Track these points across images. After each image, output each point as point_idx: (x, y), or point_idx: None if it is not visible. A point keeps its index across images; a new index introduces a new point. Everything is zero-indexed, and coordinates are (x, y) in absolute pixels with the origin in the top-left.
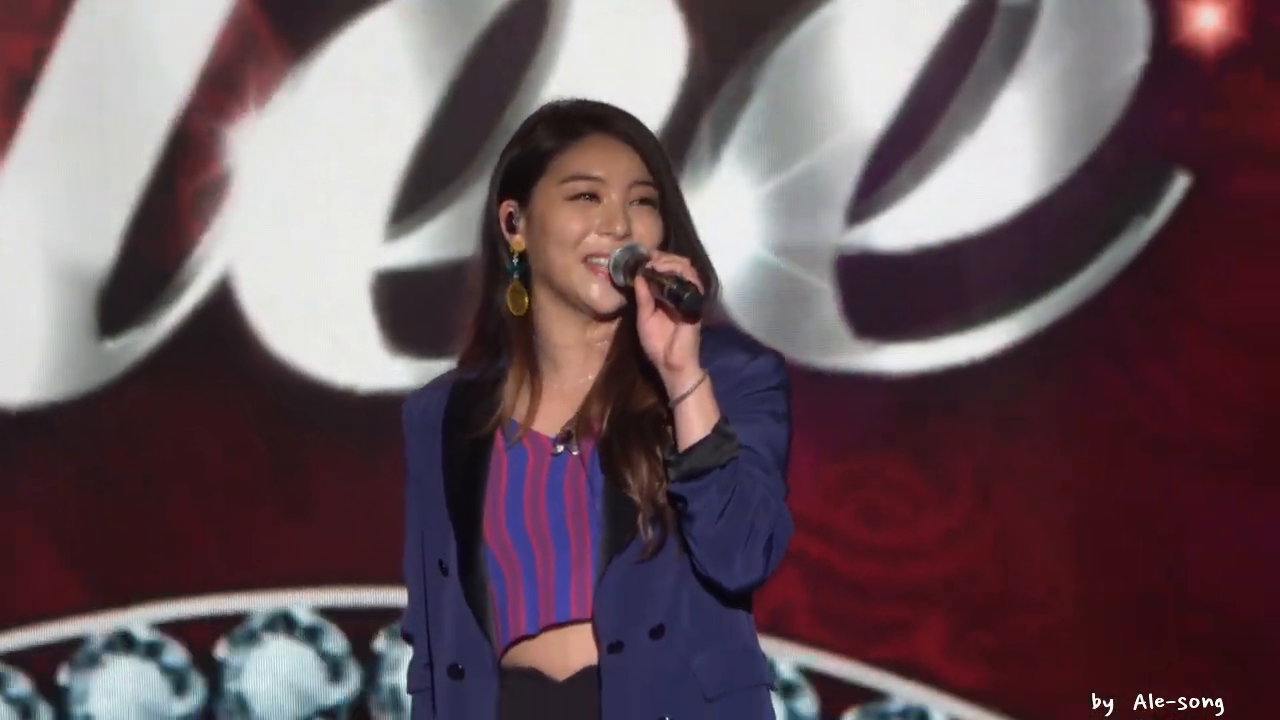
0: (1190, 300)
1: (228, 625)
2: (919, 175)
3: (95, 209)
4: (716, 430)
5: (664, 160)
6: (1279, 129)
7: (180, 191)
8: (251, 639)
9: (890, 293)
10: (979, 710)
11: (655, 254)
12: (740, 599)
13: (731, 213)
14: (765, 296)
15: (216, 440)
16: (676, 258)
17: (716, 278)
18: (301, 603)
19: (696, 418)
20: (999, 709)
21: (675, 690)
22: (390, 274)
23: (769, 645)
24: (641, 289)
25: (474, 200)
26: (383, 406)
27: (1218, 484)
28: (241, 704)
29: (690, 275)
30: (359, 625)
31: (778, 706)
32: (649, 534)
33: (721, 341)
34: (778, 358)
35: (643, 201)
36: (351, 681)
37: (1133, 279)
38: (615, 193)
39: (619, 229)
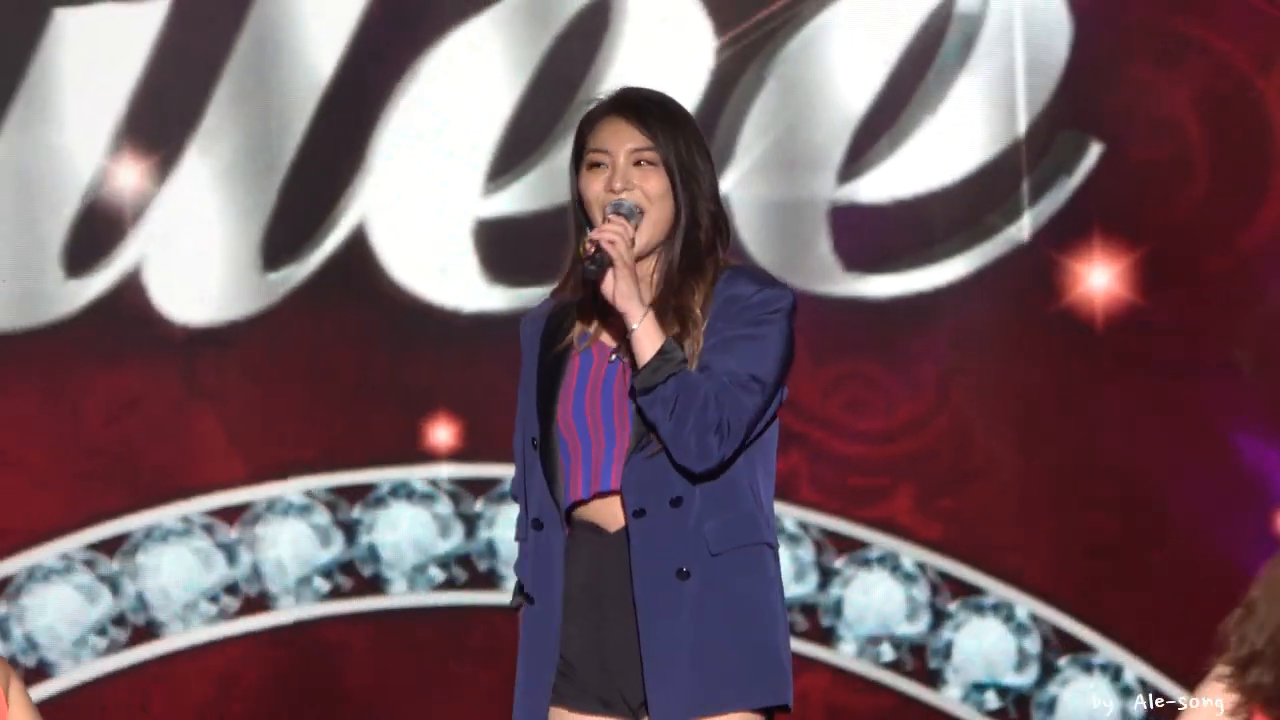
0: (1102, 240)
1: (359, 493)
2: (894, 145)
3: (261, 168)
4: (659, 354)
5: (669, 126)
6: (1167, 106)
7: (325, 155)
8: (379, 503)
9: (872, 236)
10: (939, 556)
11: (611, 217)
12: (745, 477)
13: (750, 174)
14: (774, 238)
15: (352, 351)
16: (609, 227)
17: (727, 228)
18: (417, 475)
19: (644, 345)
20: (954, 556)
21: (689, 547)
22: (487, 221)
23: (777, 506)
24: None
25: (549, 165)
26: (481, 324)
27: (1126, 381)
28: (373, 553)
29: (608, 243)
30: (469, 490)
31: (784, 555)
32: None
33: (740, 276)
34: (785, 290)
35: (642, 163)
36: (457, 535)
37: (1058, 224)
38: (619, 158)
39: (617, 185)
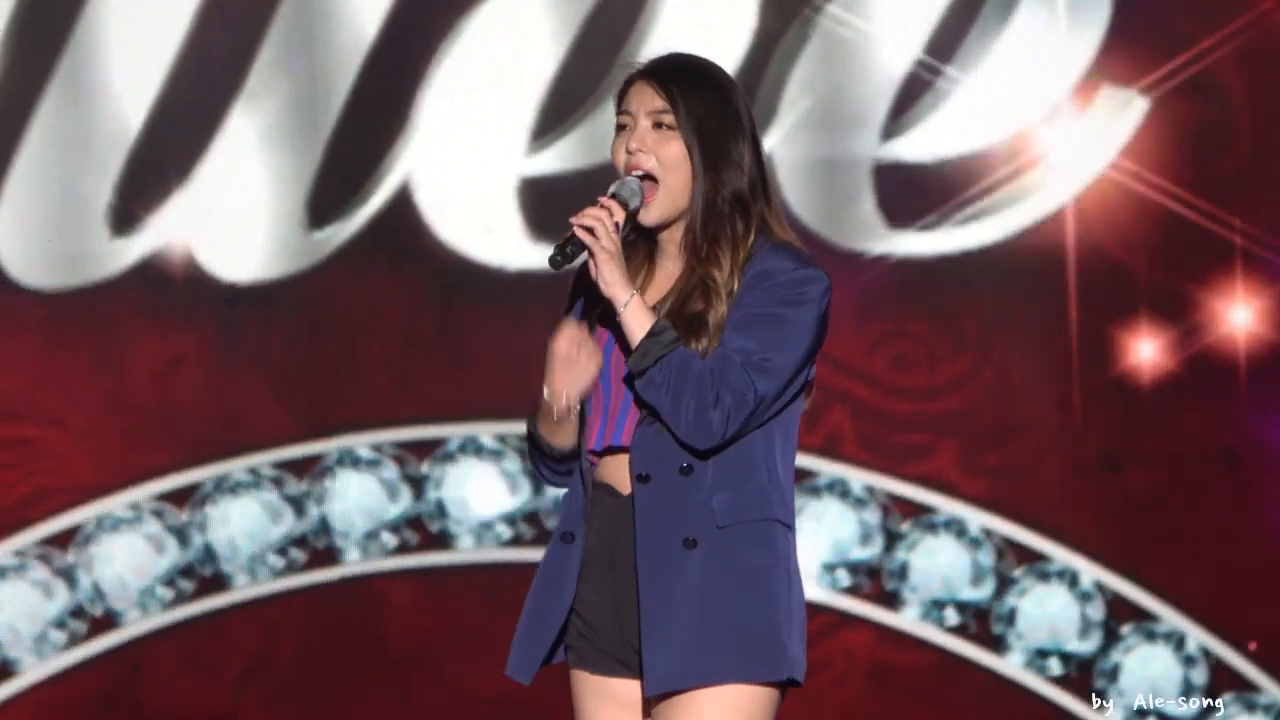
0: (1148, 198)
1: (426, 450)
2: (937, 103)
3: (305, 129)
4: (648, 337)
5: (692, 90)
6: (1213, 65)
7: (370, 114)
8: (448, 459)
9: (916, 194)
10: (984, 513)
11: (603, 200)
12: (761, 452)
13: (793, 132)
14: (818, 195)
15: (398, 309)
16: (589, 213)
17: (764, 191)
18: (459, 433)
19: (633, 328)
20: (997, 511)
21: (697, 518)
22: (531, 179)
23: (821, 464)
24: None
25: (594, 123)
26: (525, 281)
27: (1164, 335)
28: (442, 509)
29: (581, 233)
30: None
31: (850, 517)
32: None
33: (777, 253)
34: (820, 273)
35: (660, 126)
36: (523, 492)
37: (1100, 184)
38: (639, 120)
39: (632, 145)
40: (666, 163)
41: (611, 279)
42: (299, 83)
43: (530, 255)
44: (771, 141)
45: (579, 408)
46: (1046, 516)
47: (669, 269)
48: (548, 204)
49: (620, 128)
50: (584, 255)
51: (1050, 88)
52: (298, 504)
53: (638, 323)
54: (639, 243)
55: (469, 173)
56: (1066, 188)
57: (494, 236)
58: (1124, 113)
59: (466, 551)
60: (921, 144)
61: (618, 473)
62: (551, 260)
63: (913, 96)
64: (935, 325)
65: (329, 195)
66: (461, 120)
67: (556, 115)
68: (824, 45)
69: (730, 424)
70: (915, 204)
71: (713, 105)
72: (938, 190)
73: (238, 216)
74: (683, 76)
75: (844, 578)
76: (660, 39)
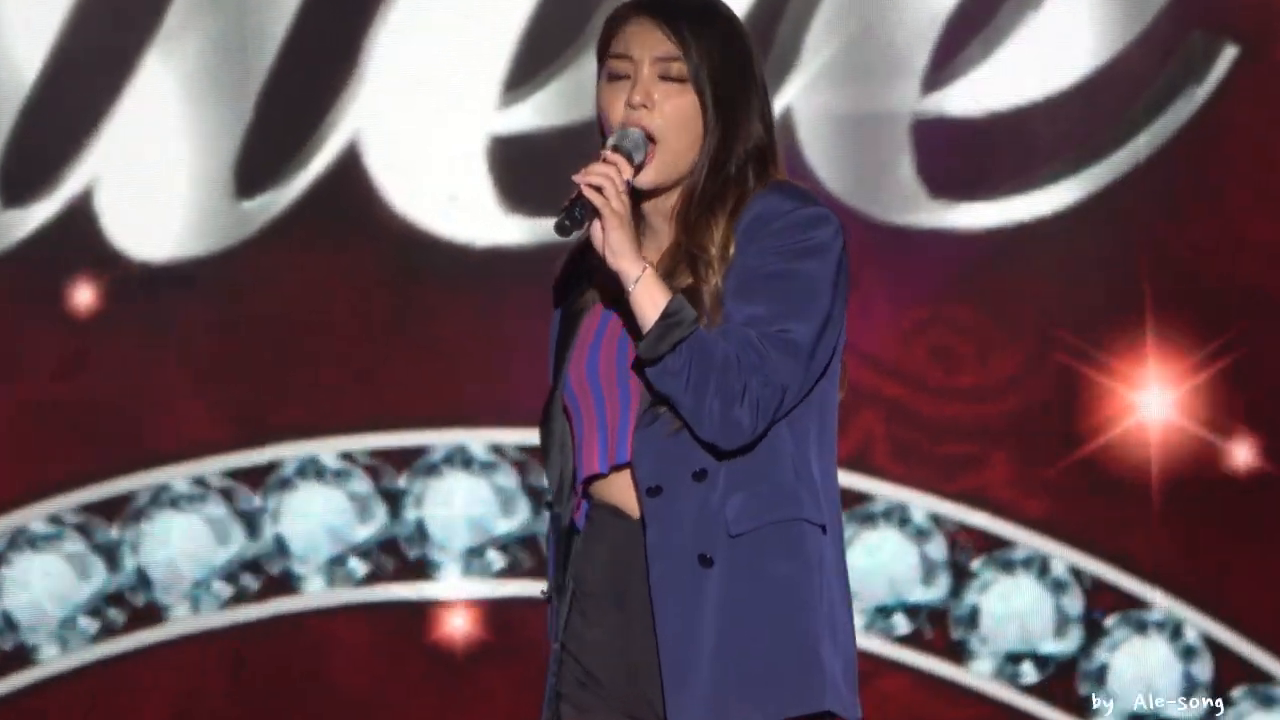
0: (1234, 162)
1: (402, 460)
2: (988, 47)
3: (233, 78)
4: (663, 318)
5: (706, 34)
6: None
7: (311, 60)
8: (430, 471)
9: (962, 156)
10: (1094, 560)
11: (608, 155)
12: (788, 442)
13: (817, 81)
14: (848, 159)
15: (345, 292)
16: (596, 169)
17: (773, 163)
18: (443, 441)
19: (645, 307)
20: (1059, 537)
21: (708, 529)
22: (504, 138)
23: (850, 479)
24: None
25: (579, 72)
26: (497, 260)
27: (1250, 324)
28: (421, 531)
29: (590, 192)
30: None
31: (912, 552)
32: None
33: (774, 192)
34: (827, 213)
35: (668, 78)
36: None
37: (1184, 143)
38: (644, 69)
39: (636, 99)
40: (673, 120)
41: (620, 249)
42: (226, 21)
43: (503, 228)
44: (790, 94)
45: (564, 428)
46: (1121, 543)
47: (653, 244)
48: (523, 168)
49: (615, 75)
50: (585, 226)
51: (1126, 26)
52: (250, 522)
53: (650, 301)
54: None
55: (429, 130)
56: (1139, 148)
57: (459, 206)
58: (1212, 60)
59: (450, 583)
60: (970, 96)
61: (625, 493)
62: (560, 226)
63: (960, 39)
64: (985, 312)
65: (262, 157)
66: (421, 67)
67: (534, 62)
68: None
69: (761, 419)
70: (963, 168)
71: (728, 51)
72: (989, 152)
73: (153, 183)
74: (693, 14)
75: (901, 623)
76: None
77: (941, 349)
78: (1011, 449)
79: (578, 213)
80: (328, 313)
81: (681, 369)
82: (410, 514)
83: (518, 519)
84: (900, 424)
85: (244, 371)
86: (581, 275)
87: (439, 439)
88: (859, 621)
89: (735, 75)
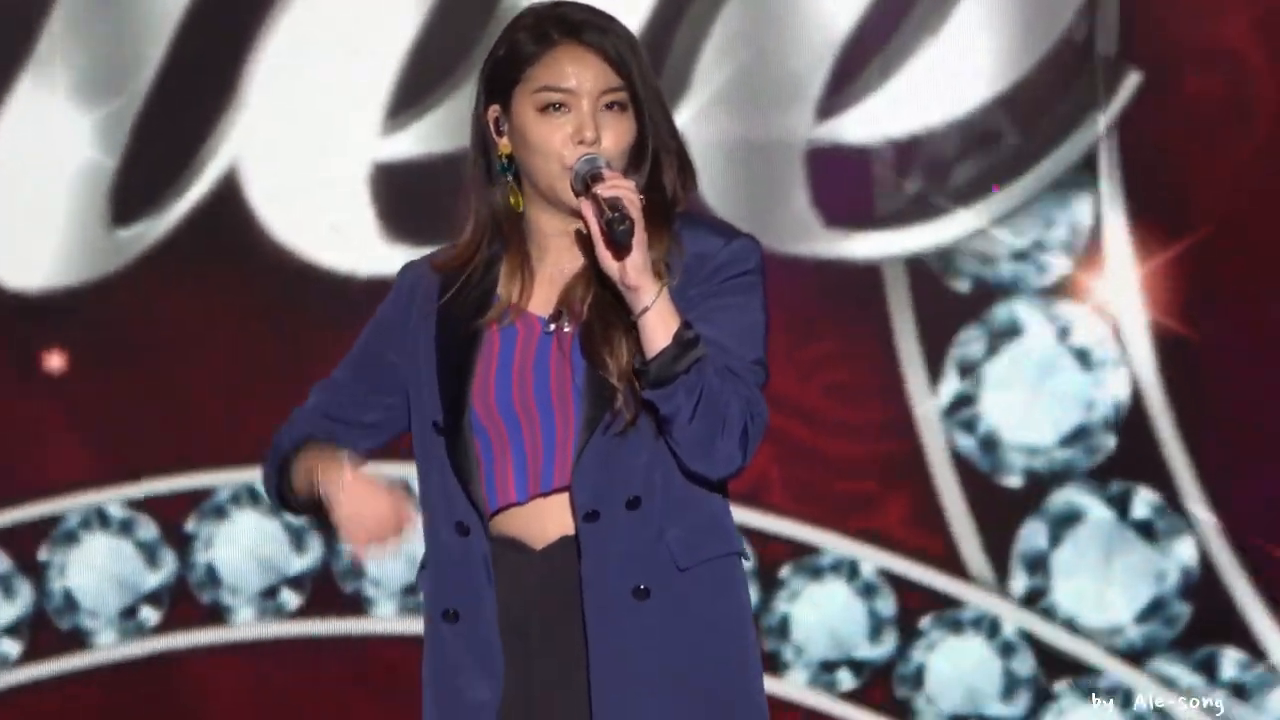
0: (1138, 191)
1: (198, 500)
2: (885, 73)
3: (108, 103)
4: (676, 339)
5: (638, 61)
6: (1224, 30)
7: (188, 86)
8: (217, 514)
9: (858, 184)
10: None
11: (608, 173)
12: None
13: (709, 108)
14: (740, 188)
15: (224, 324)
16: (621, 183)
17: (692, 168)
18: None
19: (658, 329)
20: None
21: (651, 560)
22: (387, 166)
23: (749, 515)
24: (586, 210)
25: (466, 97)
26: (381, 291)
27: (1159, 357)
28: (210, 574)
29: (629, 203)
30: None
31: (860, 609)
32: (625, 412)
33: (696, 228)
34: (752, 241)
35: (612, 106)
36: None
37: (1086, 171)
38: (585, 101)
39: (589, 135)
40: (619, 148)
41: (644, 266)
42: (100, 44)
43: (387, 258)
44: (680, 120)
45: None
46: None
47: (556, 267)
48: (406, 197)
49: (552, 105)
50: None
51: (1025, 52)
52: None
53: (662, 321)
54: (505, 232)
55: (310, 158)
56: (1041, 176)
57: (342, 236)
58: (1116, 87)
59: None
60: (866, 123)
61: (530, 526)
62: (620, 233)
63: (857, 65)
64: (884, 347)
65: (137, 184)
66: (301, 94)
67: (417, 88)
68: (748, 1)
69: (750, 452)
70: (858, 197)
71: (647, 67)
72: (886, 181)
73: (25, 210)
74: (625, 38)
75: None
76: None
77: (838, 385)
78: (909, 487)
79: (626, 223)
80: (203, 347)
81: (693, 389)
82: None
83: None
84: (796, 463)
85: (115, 408)
86: (466, 290)
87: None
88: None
89: (656, 92)
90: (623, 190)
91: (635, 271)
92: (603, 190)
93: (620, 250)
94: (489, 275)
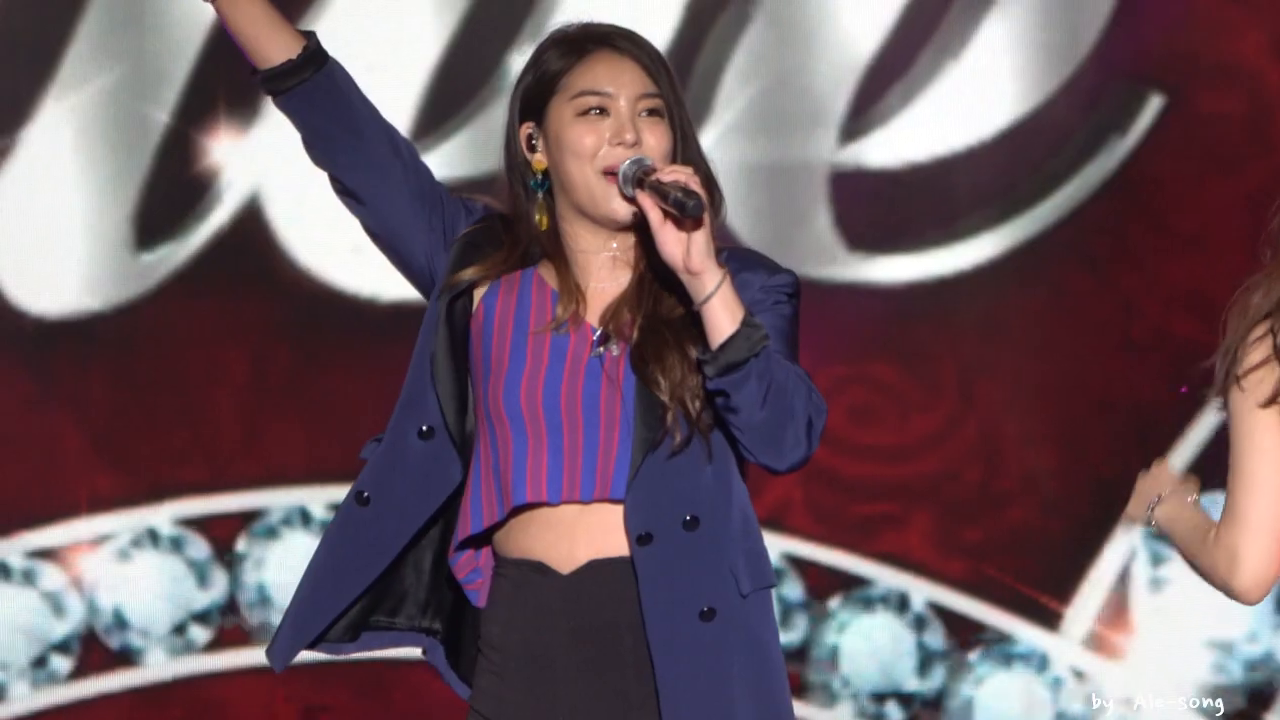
0: (1160, 213)
1: (248, 521)
2: (908, 97)
3: (132, 128)
4: (745, 323)
5: (669, 74)
6: (1244, 49)
7: (213, 111)
8: (270, 533)
9: (881, 207)
10: (964, 597)
11: (661, 166)
12: (743, 498)
13: (732, 131)
14: (763, 211)
15: (246, 347)
16: (680, 168)
17: (719, 187)
18: (319, 499)
19: (724, 315)
20: (980, 595)
21: (717, 584)
22: None
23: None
24: (646, 201)
25: (489, 120)
26: (403, 315)
27: (1179, 379)
28: (262, 595)
29: (694, 183)
30: None
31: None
32: (678, 433)
33: (743, 259)
34: (793, 276)
35: (650, 113)
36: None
37: (1108, 194)
38: (623, 104)
39: (629, 137)
40: (660, 153)
41: (710, 250)
42: (125, 67)
43: (407, 283)
44: (704, 143)
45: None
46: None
47: (598, 285)
48: None
49: (590, 110)
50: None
51: (1049, 75)
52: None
53: (726, 307)
54: (546, 250)
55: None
56: (1064, 199)
57: (364, 259)
58: (1137, 109)
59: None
60: (889, 146)
61: (560, 545)
62: (693, 207)
63: (880, 88)
64: (905, 370)
65: (161, 208)
66: None
67: (441, 111)
68: (770, 25)
69: (814, 442)
70: (881, 220)
71: (677, 88)
72: (908, 204)
73: (49, 234)
74: (651, 49)
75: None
76: (566, 19)
77: (860, 407)
78: (930, 508)
79: (696, 197)
80: (226, 370)
81: (764, 374)
82: (250, 578)
83: None
84: (817, 484)
85: (137, 429)
86: (514, 302)
87: (279, 500)
88: None
89: (685, 109)
90: (684, 173)
91: (700, 256)
92: (664, 175)
93: (695, 224)
94: (531, 292)
